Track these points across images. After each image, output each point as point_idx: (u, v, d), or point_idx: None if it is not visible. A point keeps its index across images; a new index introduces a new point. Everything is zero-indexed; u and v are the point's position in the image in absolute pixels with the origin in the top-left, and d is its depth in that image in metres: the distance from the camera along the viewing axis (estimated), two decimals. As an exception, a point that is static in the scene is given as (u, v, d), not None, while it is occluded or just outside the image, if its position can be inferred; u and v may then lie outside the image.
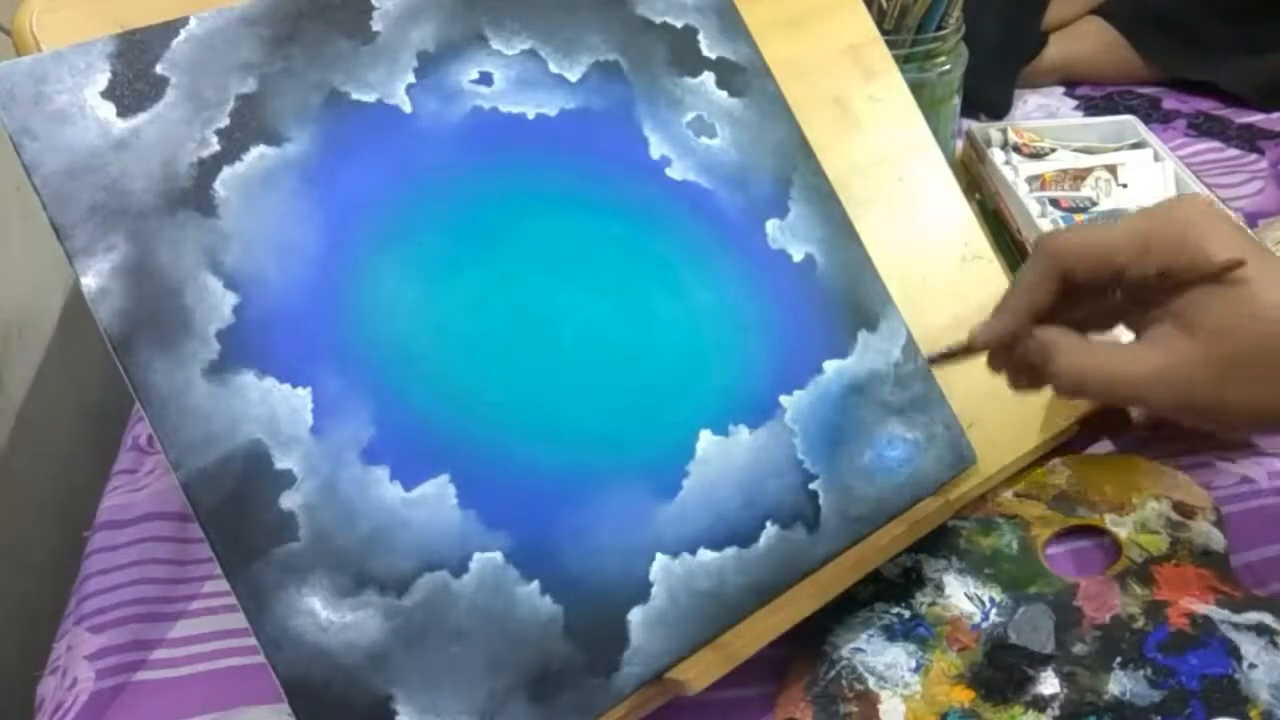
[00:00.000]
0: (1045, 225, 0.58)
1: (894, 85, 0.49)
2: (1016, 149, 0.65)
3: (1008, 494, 0.46)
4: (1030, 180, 0.62)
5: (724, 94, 0.43)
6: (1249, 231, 0.34)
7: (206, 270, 0.33)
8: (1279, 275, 0.32)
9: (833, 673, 0.38)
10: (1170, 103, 0.78)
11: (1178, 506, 0.44)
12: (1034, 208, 0.59)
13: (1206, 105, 0.77)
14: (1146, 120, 0.69)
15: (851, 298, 0.42)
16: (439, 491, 0.34)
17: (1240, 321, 0.31)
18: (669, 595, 0.36)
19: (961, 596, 0.41)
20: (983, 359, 0.37)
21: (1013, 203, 0.61)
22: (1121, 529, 0.43)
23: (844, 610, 0.40)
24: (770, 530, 0.38)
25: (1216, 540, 0.42)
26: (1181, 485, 0.45)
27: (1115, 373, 0.33)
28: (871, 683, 0.37)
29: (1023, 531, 0.43)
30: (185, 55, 0.35)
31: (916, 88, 0.51)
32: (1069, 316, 0.35)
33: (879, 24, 0.51)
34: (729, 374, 0.39)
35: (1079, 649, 0.38)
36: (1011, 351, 0.36)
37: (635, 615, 0.35)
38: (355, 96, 0.37)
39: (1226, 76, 0.77)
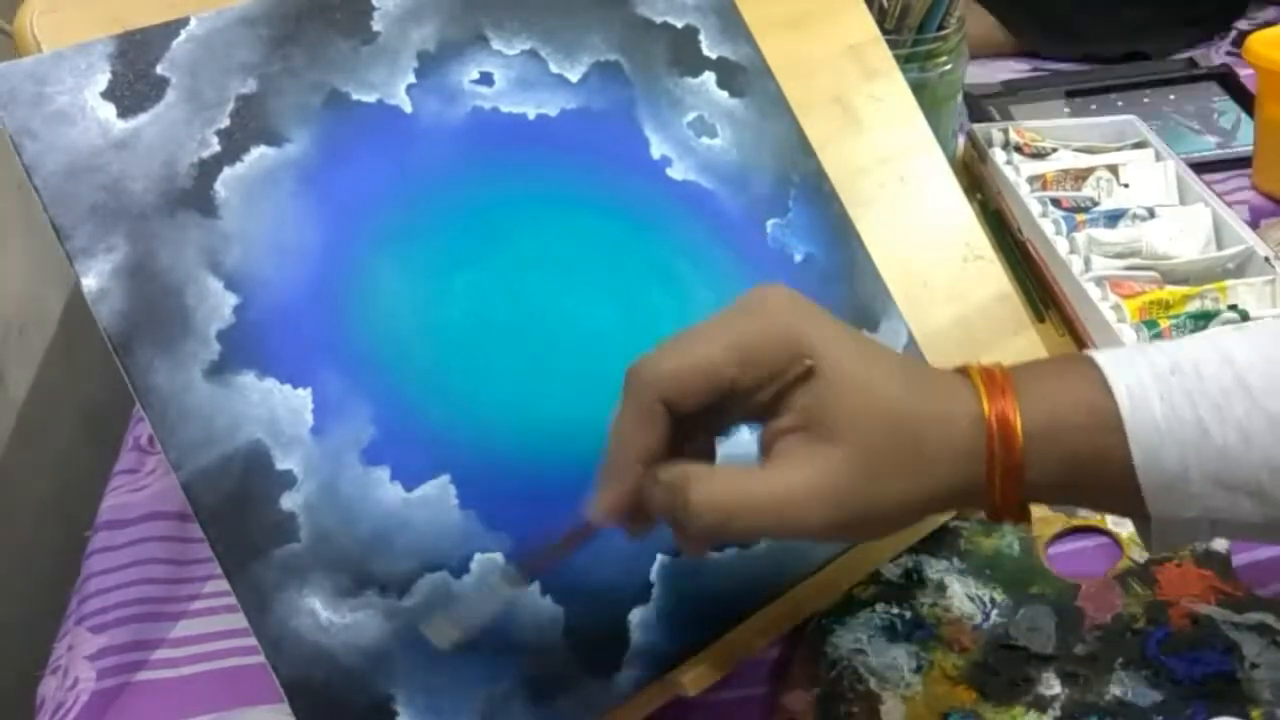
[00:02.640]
0: (1046, 225, 0.58)
1: (895, 85, 0.49)
2: (1018, 149, 0.65)
3: (1008, 494, 0.46)
4: (1031, 180, 0.62)
5: (725, 94, 0.43)
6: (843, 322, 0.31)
7: (207, 271, 0.33)
8: (882, 360, 0.30)
9: (834, 673, 0.38)
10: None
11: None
12: (1035, 208, 0.59)
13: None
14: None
15: (852, 298, 0.42)
16: (440, 492, 0.34)
17: (868, 417, 0.28)
18: (669, 596, 0.36)
19: (963, 597, 0.41)
20: None
21: (1014, 203, 0.61)
22: (1123, 529, 0.43)
23: (845, 611, 0.40)
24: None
25: (1217, 541, 0.42)
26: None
27: (763, 495, 0.28)
28: (873, 683, 0.37)
29: (1024, 532, 0.43)
30: (185, 56, 0.35)
31: (918, 87, 0.51)
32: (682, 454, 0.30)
33: (880, 24, 0.51)
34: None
35: (1080, 649, 0.38)
36: (637, 513, 0.30)
37: (636, 616, 0.35)
38: (356, 97, 0.37)
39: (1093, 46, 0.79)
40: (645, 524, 0.31)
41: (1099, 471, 0.29)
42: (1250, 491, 0.28)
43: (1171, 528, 0.30)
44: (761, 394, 0.29)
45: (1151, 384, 0.29)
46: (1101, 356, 0.30)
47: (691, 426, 0.30)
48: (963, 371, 0.31)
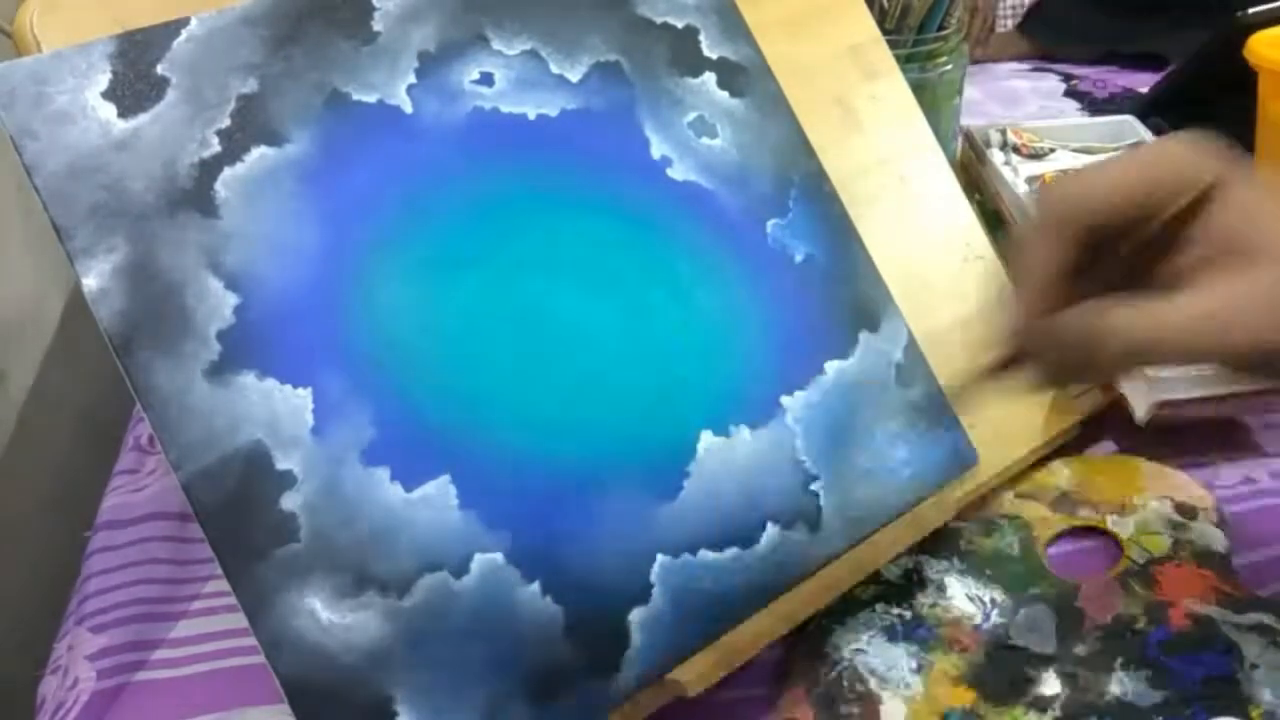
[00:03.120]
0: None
1: (895, 85, 0.49)
2: (1016, 149, 0.65)
3: (1009, 495, 0.46)
4: (1030, 181, 0.62)
5: (725, 94, 0.43)
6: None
7: (207, 271, 0.33)
8: None
9: (834, 673, 0.38)
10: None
11: (1179, 507, 0.43)
12: (1033, 209, 0.59)
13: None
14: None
15: (853, 298, 0.42)
16: (440, 492, 0.34)
17: None
18: (670, 596, 0.36)
19: (963, 597, 0.41)
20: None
21: (1012, 203, 0.61)
22: (1123, 530, 0.43)
23: (845, 611, 0.40)
24: (771, 531, 0.38)
25: (1218, 541, 0.42)
26: (1183, 486, 0.45)
27: (1193, 312, 0.28)
28: (873, 683, 0.37)
29: (1024, 532, 0.43)
30: (186, 56, 0.35)
31: (918, 88, 0.51)
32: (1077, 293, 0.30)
33: (880, 24, 0.51)
34: (730, 375, 0.39)
35: (1080, 649, 0.38)
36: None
37: (636, 616, 0.35)
38: (356, 97, 0.37)
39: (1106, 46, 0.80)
40: (1042, 365, 0.30)
41: None
42: None
43: None
44: (1167, 215, 0.29)
45: None
46: None
47: (1093, 271, 0.30)
48: None
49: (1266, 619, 0.37)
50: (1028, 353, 0.31)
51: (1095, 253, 0.30)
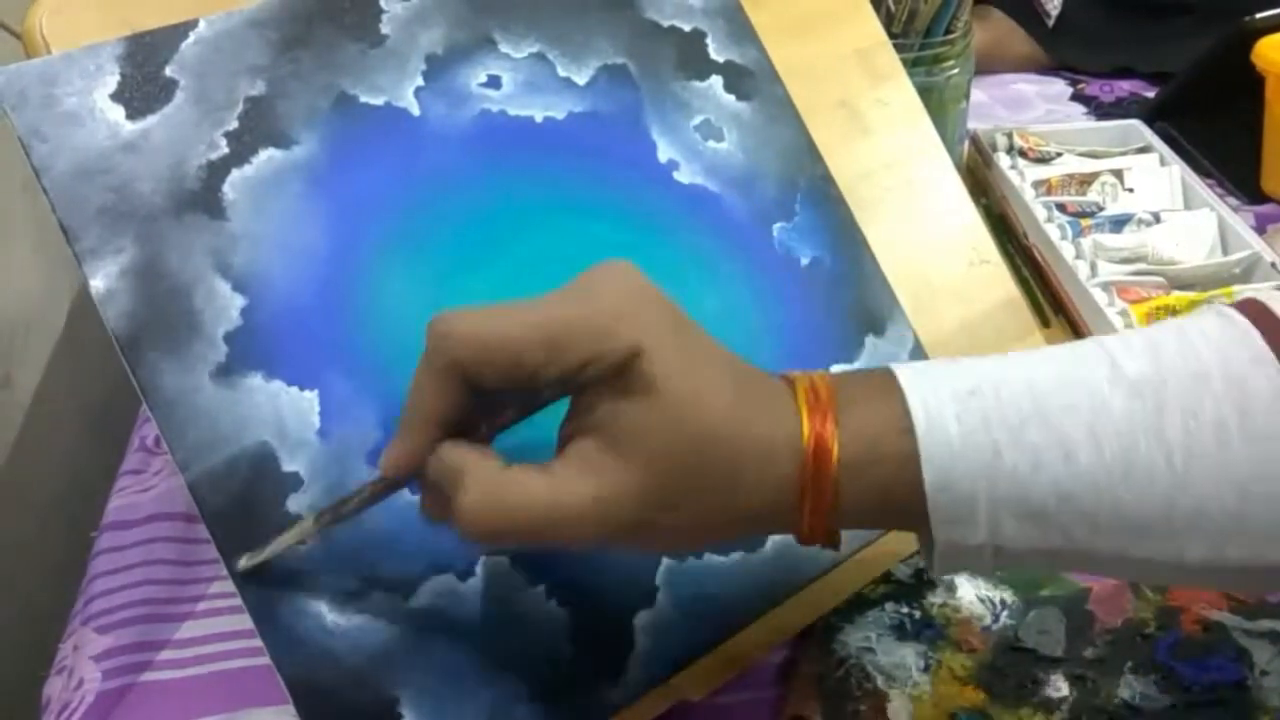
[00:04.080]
0: (1052, 231, 0.57)
1: (902, 89, 0.49)
2: (1022, 153, 0.65)
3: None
4: (1036, 185, 0.62)
5: (732, 98, 0.43)
6: (681, 311, 0.28)
7: (214, 272, 0.33)
8: (710, 372, 0.27)
9: (841, 671, 0.38)
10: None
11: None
12: (1040, 212, 0.59)
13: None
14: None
15: (859, 302, 0.42)
16: (446, 494, 0.34)
17: (676, 438, 0.26)
18: (674, 600, 0.36)
19: (973, 598, 0.41)
20: None
21: (1019, 207, 0.61)
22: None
23: (854, 609, 0.40)
24: (776, 535, 0.38)
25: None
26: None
27: (540, 503, 0.26)
28: (880, 682, 0.37)
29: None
30: (194, 58, 0.35)
31: (924, 91, 0.51)
32: (497, 420, 0.29)
33: (887, 28, 0.51)
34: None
35: (1089, 653, 0.38)
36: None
37: (640, 619, 0.35)
38: (364, 99, 0.37)
39: (1123, 60, 0.79)
40: (431, 495, 0.29)
41: (906, 498, 0.27)
42: (1035, 516, 0.27)
43: (953, 552, 0.28)
44: (569, 383, 0.27)
45: (949, 404, 0.27)
46: (905, 375, 0.28)
47: (498, 403, 0.28)
48: (789, 382, 0.29)
49: (1277, 626, 0.37)
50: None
51: (508, 382, 0.27)
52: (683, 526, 0.28)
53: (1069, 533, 0.27)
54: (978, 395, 0.27)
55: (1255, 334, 0.27)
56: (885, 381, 0.28)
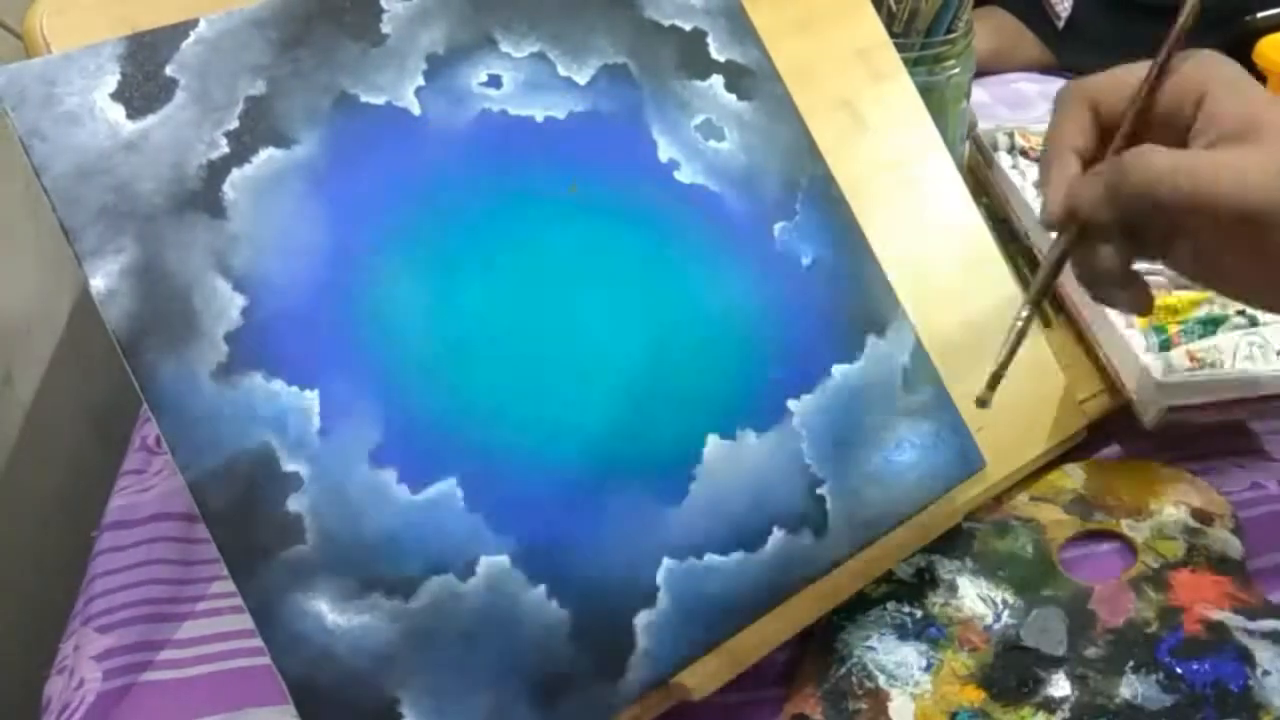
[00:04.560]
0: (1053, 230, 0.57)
1: (903, 89, 0.49)
2: (1023, 153, 0.65)
3: (1023, 497, 0.46)
4: (1037, 185, 0.62)
5: (733, 97, 0.43)
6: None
7: (215, 272, 0.33)
8: None
9: (843, 670, 0.38)
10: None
11: (1196, 513, 0.43)
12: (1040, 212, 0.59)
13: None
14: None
15: (860, 302, 0.42)
16: (446, 494, 0.34)
17: None
18: (675, 600, 0.36)
19: (974, 598, 0.41)
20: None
21: (1020, 207, 0.61)
22: (1138, 534, 0.43)
23: (856, 609, 0.40)
24: (777, 535, 0.38)
25: (1234, 547, 0.42)
26: (1200, 491, 0.44)
27: (1202, 160, 0.32)
28: (882, 681, 0.37)
29: (1038, 535, 0.43)
30: (195, 57, 0.35)
31: (926, 91, 0.51)
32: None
33: (888, 27, 0.51)
34: (736, 378, 0.39)
35: (1091, 652, 0.38)
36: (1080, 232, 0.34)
37: (641, 619, 0.35)
38: (364, 99, 0.37)
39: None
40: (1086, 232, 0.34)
41: None
42: None
43: None
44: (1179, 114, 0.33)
45: None
46: None
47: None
48: None
49: None
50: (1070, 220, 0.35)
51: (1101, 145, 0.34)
52: None
53: None
54: None
55: None
56: None
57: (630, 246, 0.39)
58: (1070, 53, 0.82)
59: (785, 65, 0.44)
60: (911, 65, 0.53)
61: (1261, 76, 0.63)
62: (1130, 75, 0.34)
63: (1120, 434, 0.49)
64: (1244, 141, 0.31)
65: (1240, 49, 0.64)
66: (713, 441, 0.38)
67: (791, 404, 0.39)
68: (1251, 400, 0.46)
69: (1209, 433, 0.48)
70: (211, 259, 0.33)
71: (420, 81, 0.38)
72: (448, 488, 0.34)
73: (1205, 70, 0.33)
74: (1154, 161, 0.32)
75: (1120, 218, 0.33)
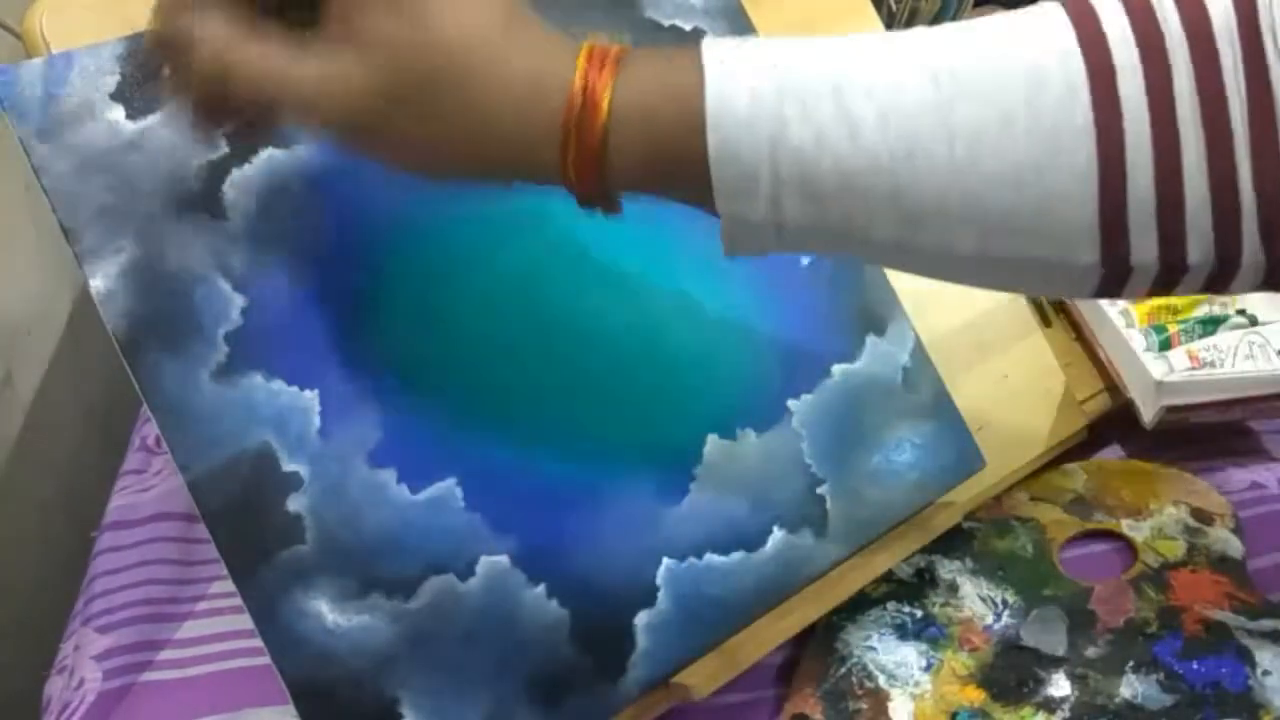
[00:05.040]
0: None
1: (903, 88, 0.49)
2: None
3: (1023, 497, 0.46)
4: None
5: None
6: None
7: (215, 272, 0.33)
8: (492, 6, 0.27)
9: (843, 670, 0.38)
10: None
11: (1196, 513, 0.43)
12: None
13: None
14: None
15: (859, 301, 0.42)
16: (446, 494, 0.34)
17: (406, 37, 0.26)
18: (675, 599, 0.36)
19: (974, 598, 0.41)
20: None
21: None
22: (1138, 534, 0.43)
23: (856, 609, 0.40)
24: (777, 534, 0.38)
25: (1234, 547, 0.42)
26: (1200, 491, 0.44)
27: (270, 70, 0.27)
28: (882, 680, 0.37)
29: (1038, 535, 0.43)
30: (194, 57, 0.35)
31: (925, 90, 0.50)
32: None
33: (888, 26, 0.51)
34: (736, 378, 0.39)
35: (1091, 652, 0.38)
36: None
37: (641, 619, 0.35)
38: (364, 98, 0.37)
39: None
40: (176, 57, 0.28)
41: (684, 160, 0.27)
42: (816, 194, 0.26)
43: (740, 229, 0.28)
44: None
45: (747, 75, 0.27)
46: (710, 42, 0.28)
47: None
48: (583, 43, 0.28)
49: None
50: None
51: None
52: (422, 135, 0.27)
53: (848, 214, 0.27)
54: (779, 70, 0.27)
55: (1069, 29, 0.26)
56: (687, 51, 0.28)
57: (631, 246, 0.39)
58: None
59: (785, 65, 0.44)
60: (911, 65, 0.53)
61: None
62: None
63: (1120, 434, 0.49)
64: (349, 40, 0.27)
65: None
66: (713, 441, 0.38)
67: (791, 404, 0.39)
68: (1251, 400, 0.46)
69: (1209, 433, 0.48)
70: (211, 259, 0.33)
71: (420, 81, 0.38)
72: (447, 487, 0.34)
73: None
74: (254, 78, 0.27)
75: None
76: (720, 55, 0.27)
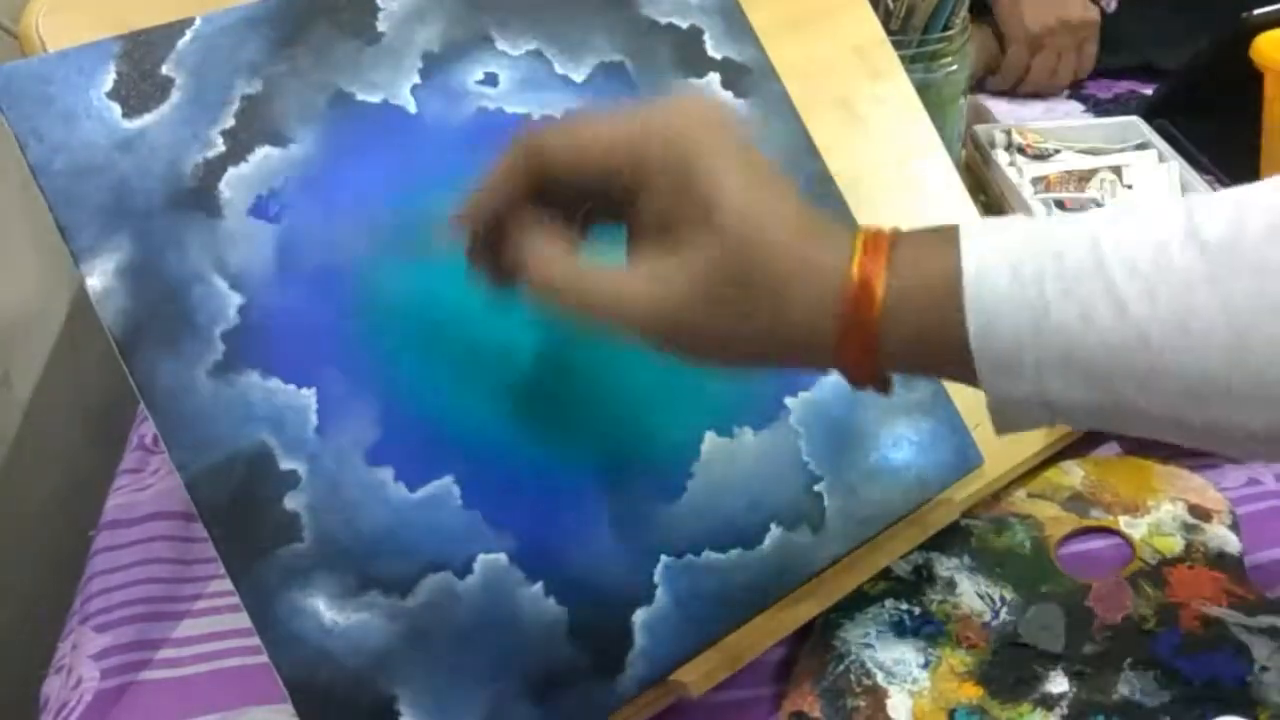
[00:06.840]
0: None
1: (900, 86, 0.49)
2: (1021, 150, 0.65)
3: (1021, 494, 0.46)
4: (1035, 182, 0.62)
5: (729, 95, 0.43)
6: (753, 147, 0.30)
7: (211, 270, 0.33)
8: (773, 199, 0.29)
9: (841, 667, 0.38)
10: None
11: (1193, 509, 0.43)
12: (1039, 209, 0.59)
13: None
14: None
15: (857, 298, 0.42)
16: (443, 492, 0.34)
17: (725, 244, 0.28)
18: (673, 597, 0.36)
19: (972, 595, 0.41)
20: None
21: (1017, 204, 0.61)
22: (1135, 530, 0.43)
23: (854, 606, 0.40)
24: (775, 532, 0.38)
25: (1231, 543, 0.42)
26: (1197, 488, 0.44)
27: (603, 294, 0.29)
28: (880, 678, 0.37)
29: (1036, 532, 0.43)
30: (191, 56, 0.35)
31: (922, 88, 0.51)
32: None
33: (885, 24, 0.51)
34: (733, 375, 0.39)
35: (1089, 649, 0.38)
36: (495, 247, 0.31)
37: (639, 617, 0.35)
38: (360, 97, 0.37)
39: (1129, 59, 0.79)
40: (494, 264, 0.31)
41: (950, 344, 0.28)
42: (1083, 372, 0.27)
43: (1008, 407, 0.28)
44: (641, 189, 0.29)
45: (1003, 256, 0.27)
46: (970, 227, 0.29)
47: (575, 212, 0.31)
48: (859, 230, 0.30)
49: (1278, 622, 0.37)
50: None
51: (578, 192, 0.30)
52: (728, 334, 0.29)
53: (1118, 391, 0.27)
54: (1038, 249, 0.27)
55: None
56: (949, 231, 0.29)
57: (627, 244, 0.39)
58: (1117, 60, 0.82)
59: (782, 63, 0.44)
60: (908, 63, 0.53)
61: (1259, 74, 0.63)
62: (589, 144, 0.30)
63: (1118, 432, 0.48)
64: (665, 250, 0.29)
65: (1236, 46, 0.64)
66: (710, 439, 0.38)
67: (789, 401, 0.39)
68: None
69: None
70: (208, 257, 0.33)
71: (416, 79, 0.38)
72: (445, 485, 0.34)
73: (684, 136, 0.29)
74: (549, 275, 0.30)
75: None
76: (978, 238, 0.28)
